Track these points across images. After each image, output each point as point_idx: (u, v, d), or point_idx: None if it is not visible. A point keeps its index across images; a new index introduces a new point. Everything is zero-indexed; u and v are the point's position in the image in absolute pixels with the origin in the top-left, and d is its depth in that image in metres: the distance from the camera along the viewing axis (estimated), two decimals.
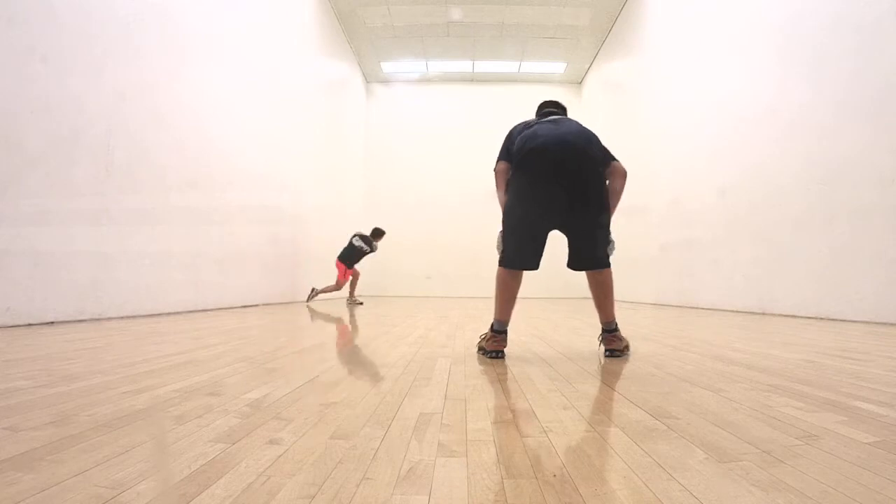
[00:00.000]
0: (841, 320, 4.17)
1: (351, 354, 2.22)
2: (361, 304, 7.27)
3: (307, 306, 6.49)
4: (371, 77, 12.27)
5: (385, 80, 12.44)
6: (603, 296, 2.29)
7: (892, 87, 3.83)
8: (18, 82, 3.15)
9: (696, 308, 6.43)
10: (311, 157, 8.45)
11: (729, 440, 0.99)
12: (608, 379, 1.69)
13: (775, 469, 0.84)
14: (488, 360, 2.05)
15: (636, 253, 8.64)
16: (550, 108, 2.50)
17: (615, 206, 2.30)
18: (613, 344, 2.23)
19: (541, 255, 2.26)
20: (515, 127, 2.40)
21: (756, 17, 5.53)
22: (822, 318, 4.40)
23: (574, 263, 2.31)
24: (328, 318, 4.87)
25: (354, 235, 7.51)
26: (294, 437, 0.99)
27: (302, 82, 8.09)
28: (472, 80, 12.31)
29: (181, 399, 1.30)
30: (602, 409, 1.23)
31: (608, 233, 2.29)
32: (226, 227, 5.62)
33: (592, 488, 0.76)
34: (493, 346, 2.18)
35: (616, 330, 2.25)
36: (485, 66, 11.70)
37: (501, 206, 2.32)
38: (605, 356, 2.21)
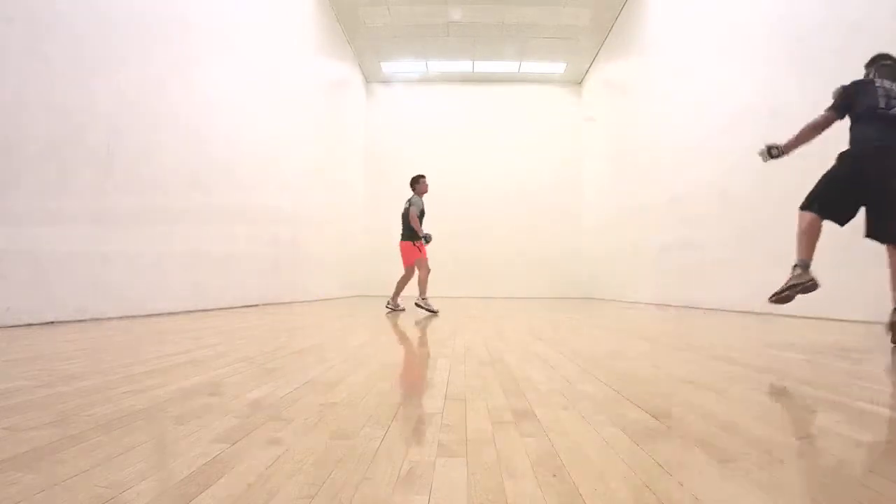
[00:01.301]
0: (841, 320, 4.17)
1: (351, 354, 2.22)
2: (403, 309, 5.69)
3: (420, 305, 5.43)
4: (371, 77, 12.27)
5: (385, 80, 12.44)
6: None
7: None
8: (18, 82, 3.15)
9: (697, 308, 6.42)
10: (311, 158, 8.45)
11: (729, 440, 0.99)
12: (608, 379, 1.69)
13: (775, 469, 0.84)
14: (487, 360, 2.04)
15: (636, 253, 8.66)
16: (887, 62, 2.60)
17: None
18: None
19: (847, 216, 2.49)
20: (851, 86, 2.61)
21: (756, 16, 5.53)
22: (822, 318, 4.40)
23: (872, 233, 2.47)
24: (328, 318, 4.87)
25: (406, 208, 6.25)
26: (294, 437, 0.99)
27: (302, 82, 8.09)
28: (471, 80, 12.30)
29: (181, 399, 1.30)
30: (602, 409, 1.23)
31: None
32: (226, 227, 5.62)
33: (592, 488, 0.76)
34: (805, 279, 2.38)
35: None
36: (485, 66, 11.70)
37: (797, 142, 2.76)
38: None
